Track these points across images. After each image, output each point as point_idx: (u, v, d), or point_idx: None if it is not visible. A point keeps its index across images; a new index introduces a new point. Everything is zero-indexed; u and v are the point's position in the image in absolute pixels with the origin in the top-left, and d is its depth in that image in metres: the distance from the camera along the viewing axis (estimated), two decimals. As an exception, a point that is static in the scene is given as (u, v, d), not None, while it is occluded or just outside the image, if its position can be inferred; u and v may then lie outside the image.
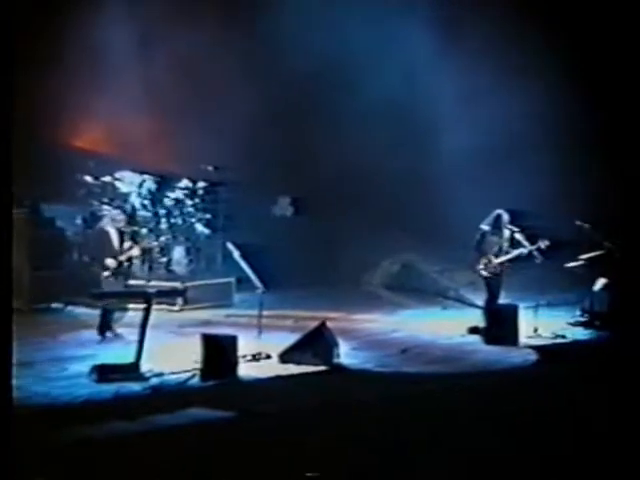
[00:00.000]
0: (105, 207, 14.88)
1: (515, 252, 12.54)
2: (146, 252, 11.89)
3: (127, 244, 11.66)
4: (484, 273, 12.63)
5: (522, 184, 15.44)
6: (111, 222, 11.89)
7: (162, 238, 11.89)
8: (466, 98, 15.86)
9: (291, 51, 15.86)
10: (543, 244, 12.46)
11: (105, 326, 11.49)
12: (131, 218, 12.22)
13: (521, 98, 15.54)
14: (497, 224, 12.62)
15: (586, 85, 15.50)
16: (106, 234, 11.72)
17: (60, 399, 9.05)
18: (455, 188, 15.96)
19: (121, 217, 12.05)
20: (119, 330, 11.50)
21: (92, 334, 11.78)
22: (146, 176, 15.20)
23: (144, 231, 11.85)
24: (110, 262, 11.46)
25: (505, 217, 12.58)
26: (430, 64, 16.08)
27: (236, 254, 11.10)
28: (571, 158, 15.70)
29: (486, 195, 14.53)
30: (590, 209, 14.21)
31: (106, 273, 11.43)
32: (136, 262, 12.30)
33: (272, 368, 10.45)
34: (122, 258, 11.58)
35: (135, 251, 11.76)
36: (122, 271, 11.59)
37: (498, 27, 15.69)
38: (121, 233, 11.76)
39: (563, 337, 12.37)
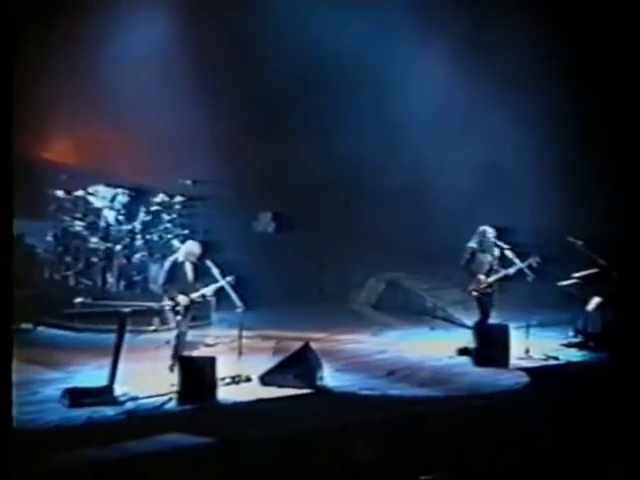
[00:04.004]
0: (77, 222, 14.80)
1: (505, 270, 12.54)
2: (218, 292, 11.25)
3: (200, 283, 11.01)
4: (475, 293, 12.61)
5: (510, 199, 15.50)
6: (186, 255, 11.12)
7: (229, 278, 11.04)
8: (459, 113, 15.93)
9: (273, 60, 15.90)
10: (534, 261, 12.48)
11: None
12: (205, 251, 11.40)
13: (516, 114, 15.64)
14: (483, 240, 12.62)
15: (588, 97, 15.63)
16: (181, 267, 11.07)
17: (29, 425, 8.95)
18: (442, 204, 16.01)
19: (197, 250, 11.23)
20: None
21: (63, 355, 11.67)
22: (120, 190, 15.11)
23: (215, 270, 11.06)
24: (181, 299, 10.89)
25: (490, 233, 12.59)
26: (424, 74, 16.15)
27: (215, 272, 11.04)
28: (564, 173, 15.78)
29: (473, 211, 14.57)
30: (583, 225, 14.26)
31: (169, 307, 10.83)
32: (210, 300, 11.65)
33: (253, 391, 10.40)
34: (194, 296, 10.99)
35: (209, 290, 11.07)
36: (191, 310, 10.98)
37: (500, 38, 15.80)
38: (195, 268, 11.13)
39: (556, 359, 12.37)
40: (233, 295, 10.99)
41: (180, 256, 11.18)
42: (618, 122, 15.74)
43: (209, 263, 11.08)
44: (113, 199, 15.07)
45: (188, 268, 11.10)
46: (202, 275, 11.13)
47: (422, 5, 15.94)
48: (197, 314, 11.64)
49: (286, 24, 15.71)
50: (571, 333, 13.12)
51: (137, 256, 14.92)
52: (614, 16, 15.42)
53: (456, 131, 16.12)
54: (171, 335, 11.00)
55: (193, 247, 11.24)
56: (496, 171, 15.91)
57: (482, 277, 12.53)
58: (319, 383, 10.67)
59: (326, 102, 16.17)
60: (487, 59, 15.90)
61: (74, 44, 15.27)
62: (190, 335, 11.24)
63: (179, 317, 10.90)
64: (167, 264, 11.21)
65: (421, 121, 16.08)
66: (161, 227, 15.16)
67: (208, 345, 12.08)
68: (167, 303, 10.95)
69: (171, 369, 10.59)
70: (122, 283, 14.81)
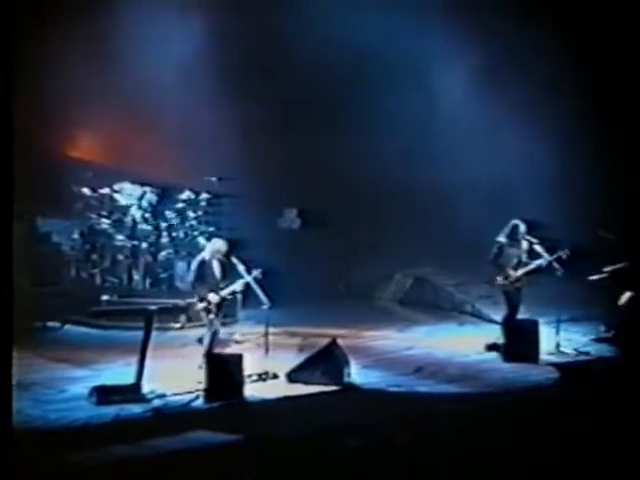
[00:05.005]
0: (103, 220, 14.88)
1: (535, 264, 12.47)
2: (249, 287, 11.24)
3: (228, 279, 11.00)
4: (503, 287, 12.55)
5: (539, 193, 15.42)
6: (212, 252, 11.09)
7: (256, 272, 11.10)
8: (488, 109, 15.88)
9: (298, 58, 15.88)
10: (564, 254, 12.40)
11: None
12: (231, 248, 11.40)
13: (544, 110, 15.61)
14: (514, 235, 12.55)
15: (616, 96, 15.60)
16: (208, 265, 11.05)
17: (58, 423, 9.01)
18: (470, 200, 15.95)
19: (224, 248, 11.18)
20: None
21: (91, 353, 11.74)
22: (146, 188, 15.17)
23: (240, 267, 11.04)
24: (212, 297, 10.89)
25: (522, 228, 12.52)
26: (452, 73, 16.11)
27: (241, 268, 11.06)
28: (592, 166, 15.67)
29: (501, 206, 14.50)
30: (613, 218, 14.16)
31: (201, 306, 10.90)
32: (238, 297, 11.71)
33: (280, 388, 10.40)
34: (224, 293, 10.98)
35: (238, 286, 11.06)
36: (223, 307, 10.99)
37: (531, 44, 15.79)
38: (222, 265, 11.08)
39: (587, 354, 12.29)
40: (259, 292, 10.99)
41: (207, 254, 11.18)
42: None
43: (235, 260, 11.09)
44: (139, 197, 15.14)
45: (215, 266, 11.11)
46: (229, 272, 11.14)
47: (458, 8, 15.90)
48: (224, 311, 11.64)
49: (316, 21, 15.67)
50: (602, 328, 13.02)
51: (163, 253, 15.00)
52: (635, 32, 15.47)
53: (484, 126, 16.06)
54: (204, 333, 10.98)
55: (219, 244, 11.24)
56: (524, 166, 15.83)
57: (511, 271, 12.46)
58: (346, 380, 10.65)
59: (352, 98, 16.15)
60: (520, 60, 15.89)
61: (99, 42, 15.31)
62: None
63: (212, 315, 10.90)
64: (194, 263, 11.22)
65: (449, 117, 16.04)
66: (187, 224, 15.22)
67: (238, 342, 12.09)
68: (199, 303, 10.94)
69: (200, 367, 10.59)
70: (148, 281, 14.89)
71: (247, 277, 10.93)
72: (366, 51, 15.89)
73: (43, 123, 14.93)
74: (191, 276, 11.17)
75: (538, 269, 12.49)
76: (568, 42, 15.60)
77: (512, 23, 15.88)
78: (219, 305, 10.94)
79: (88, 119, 15.61)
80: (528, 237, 12.54)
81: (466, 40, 15.87)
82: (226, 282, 11.06)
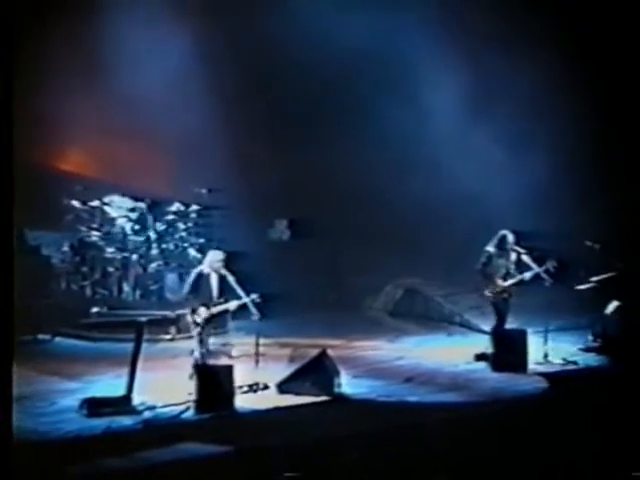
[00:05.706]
0: (94, 233, 14.92)
1: (522, 275, 12.53)
2: (242, 307, 11.09)
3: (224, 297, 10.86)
4: (491, 297, 12.61)
5: (527, 204, 15.50)
6: (211, 263, 10.98)
7: (253, 296, 10.90)
8: (473, 123, 15.98)
9: (288, 69, 15.95)
10: (551, 265, 12.47)
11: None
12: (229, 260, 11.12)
13: (533, 119, 15.70)
14: (503, 245, 12.62)
15: (607, 101, 15.70)
16: (206, 279, 10.96)
17: (48, 435, 9.02)
18: (459, 210, 16.02)
19: (221, 258, 11.05)
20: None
21: (81, 365, 11.74)
22: (136, 200, 15.21)
23: (230, 278, 10.88)
24: (202, 311, 10.81)
25: (510, 238, 12.59)
26: (444, 83, 16.20)
27: (231, 279, 11.08)
28: (578, 177, 15.77)
29: (490, 216, 14.58)
30: (600, 229, 14.25)
31: (190, 318, 10.84)
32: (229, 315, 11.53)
33: (270, 399, 10.44)
34: (215, 311, 10.88)
35: (232, 305, 10.89)
36: (210, 324, 10.89)
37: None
38: (220, 280, 10.96)
39: (575, 363, 12.35)
40: (249, 303, 11.00)
41: (205, 267, 11.17)
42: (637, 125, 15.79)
43: (224, 271, 11.10)
44: (128, 209, 15.18)
45: (213, 280, 11.09)
46: (225, 289, 11.04)
47: (452, 15, 16.00)
48: (214, 323, 11.64)
49: (306, 33, 15.72)
50: (590, 337, 13.09)
51: (153, 265, 15.02)
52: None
53: (473, 137, 16.14)
54: (194, 345, 11.00)
55: (217, 255, 11.22)
56: (512, 176, 15.90)
57: (499, 281, 12.53)
58: (336, 390, 10.69)
59: (342, 109, 16.22)
60: (513, 63, 15.97)
61: (90, 56, 15.33)
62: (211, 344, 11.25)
63: (199, 329, 10.90)
64: (192, 275, 11.18)
65: (439, 128, 16.10)
66: (177, 236, 15.25)
67: (231, 357, 12.07)
68: (189, 315, 10.94)
69: (191, 378, 10.60)
70: (138, 292, 14.91)
71: (245, 299, 10.90)
72: (356, 62, 15.96)
73: (33, 135, 14.92)
74: (187, 287, 11.16)
75: (525, 280, 12.54)
76: (569, 44, 15.69)
77: (509, 30, 15.96)
78: (207, 320, 10.94)
79: (77, 132, 15.65)
80: (516, 247, 12.61)
81: (459, 48, 15.96)
82: (221, 299, 11.03)
